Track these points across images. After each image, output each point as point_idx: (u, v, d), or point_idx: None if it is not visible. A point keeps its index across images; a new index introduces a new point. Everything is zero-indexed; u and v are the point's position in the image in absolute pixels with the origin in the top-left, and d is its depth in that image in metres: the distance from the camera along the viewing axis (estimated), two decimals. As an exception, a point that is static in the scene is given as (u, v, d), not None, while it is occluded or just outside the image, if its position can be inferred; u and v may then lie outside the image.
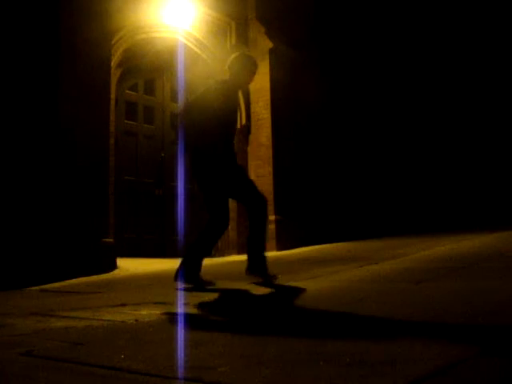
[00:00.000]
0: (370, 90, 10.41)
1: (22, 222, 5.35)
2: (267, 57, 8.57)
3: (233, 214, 8.54)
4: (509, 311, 2.47)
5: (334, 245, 7.59)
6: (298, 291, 3.61)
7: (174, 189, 8.01)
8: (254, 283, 4.06)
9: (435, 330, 2.09)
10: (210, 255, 4.45)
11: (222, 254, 8.25)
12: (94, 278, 5.38)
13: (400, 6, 11.07)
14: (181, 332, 2.30)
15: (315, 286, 3.90)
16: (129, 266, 6.07)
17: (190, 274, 4.00)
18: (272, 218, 8.29)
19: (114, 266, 5.91)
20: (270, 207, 8.39)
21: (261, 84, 8.63)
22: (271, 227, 8.26)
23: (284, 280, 4.43)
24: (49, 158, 5.62)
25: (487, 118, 11.42)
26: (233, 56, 4.67)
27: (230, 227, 8.52)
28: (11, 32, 5.63)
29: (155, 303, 3.36)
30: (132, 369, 1.60)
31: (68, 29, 5.94)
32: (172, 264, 6.36)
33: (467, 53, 11.43)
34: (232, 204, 8.60)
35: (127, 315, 2.83)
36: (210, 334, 2.18)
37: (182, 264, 4.05)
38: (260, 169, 8.52)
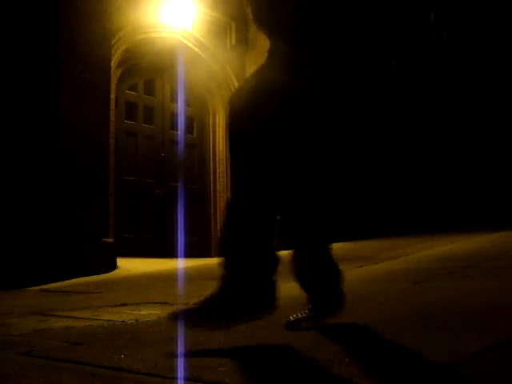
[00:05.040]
0: (369, 88, 10.40)
1: (22, 222, 5.35)
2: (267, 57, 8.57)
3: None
4: (510, 311, 2.47)
5: (333, 245, 7.57)
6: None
7: (174, 189, 8.02)
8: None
9: (435, 330, 2.09)
10: None
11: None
12: (94, 277, 5.38)
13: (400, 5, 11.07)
14: (181, 332, 2.30)
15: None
16: (129, 266, 6.07)
17: None
18: (272, 217, 8.29)
19: (114, 266, 5.91)
20: (270, 207, 8.39)
21: (261, 84, 8.62)
22: (271, 227, 8.26)
23: (283, 280, 4.43)
24: (48, 158, 5.62)
25: (487, 117, 11.42)
26: None
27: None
28: (9, 31, 5.62)
29: (155, 303, 3.36)
30: (132, 369, 1.60)
31: (67, 29, 5.94)
32: (172, 264, 6.38)
33: (467, 50, 11.43)
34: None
35: (127, 315, 2.83)
36: (211, 334, 2.18)
37: None
38: (260, 169, 8.51)
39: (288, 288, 2.24)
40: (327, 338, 2.01)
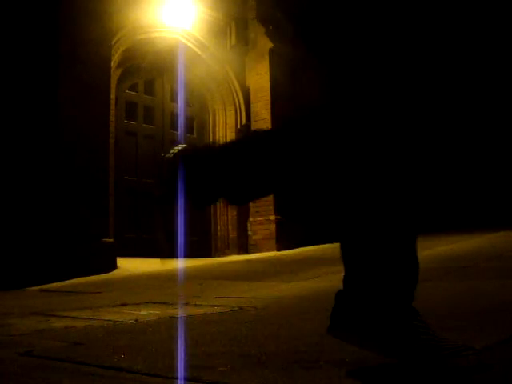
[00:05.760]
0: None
1: (22, 222, 5.35)
2: (267, 57, 8.58)
3: (233, 214, 8.56)
4: (510, 311, 2.47)
5: (335, 245, 7.57)
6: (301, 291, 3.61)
7: (173, 189, 8.00)
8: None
9: (434, 330, 2.09)
10: None
11: (222, 254, 8.26)
12: (94, 277, 5.38)
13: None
14: (181, 332, 2.30)
15: (316, 285, 3.90)
16: (129, 266, 6.07)
17: None
18: (272, 217, 8.29)
19: (114, 266, 5.91)
20: (270, 207, 8.40)
21: (261, 84, 8.63)
22: (271, 227, 8.26)
23: (284, 280, 4.44)
24: (48, 159, 5.62)
25: (487, 117, 11.41)
26: None
27: (230, 227, 8.58)
28: (10, 32, 5.62)
29: (155, 303, 3.36)
30: (132, 369, 1.60)
31: (68, 29, 5.95)
32: (171, 264, 6.38)
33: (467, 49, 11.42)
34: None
35: (127, 315, 2.83)
36: (211, 334, 2.18)
37: None
38: (260, 169, 8.51)
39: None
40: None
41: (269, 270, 5.45)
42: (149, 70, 8.13)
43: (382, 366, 1.52)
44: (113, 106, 6.85)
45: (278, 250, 8.01)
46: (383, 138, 1.68)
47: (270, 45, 8.58)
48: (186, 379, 1.47)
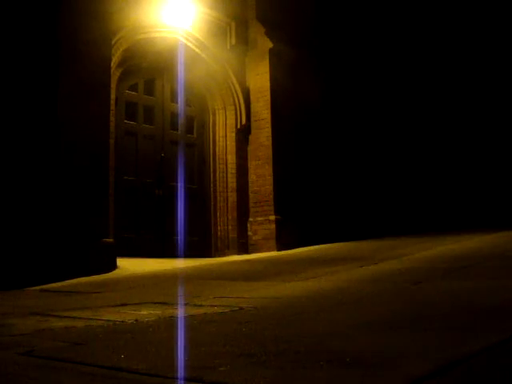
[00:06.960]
0: (369, 88, 10.40)
1: (23, 223, 5.35)
2: (267, 57, 8.57)
3: (233, 214, 8.55)
4: (510, 311, 2.47)
5: (334, 245, 7.59)
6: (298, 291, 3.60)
7: (173, 189, 8.01)
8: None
9: (435, 331, 2.09)
10: None
11: (222, 254, 8.26)
12: (94, 277, 5.38)
13: (400, 5, 11.07)
14: (181, 332, 2.30)
15: (315, 285, 3.90)
16: (129, 266, 6.07)
17: None
18: (272, 217, 8.29)
19: (114, 266, 5.91)
20: (271, 207, 8.40)
21: (261, 84, 8.63)
22: (271, 227, 8.26)
23: (284, 280, 4.43)
24: (48, 159, 5.62)
25: (488, 117, 11.41)
26: None
27: (230, 227, 8.58)
28: (10, 32, 5.63)
29: (155, 303, 3.36)
30: (132, 369, 1.60)
31: (68, 29, 5.95)
32: (172, 264, 6.39)
33: (467, 52, 11.42)
34: (231, 201, 8.65)
35: (127, 315, 2.83)
36: (211, 334, 2.18)
37: None
38: (260, 169, 8.51)
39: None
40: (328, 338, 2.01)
41: (269, 270, 5.45)
42: (149, 70, 8.12)
43: (382, 366, 1.52)
44: (113, 106, 6.84)
45: (278, 250, 8.00)
46: None
47: (270, 45, 8.57)
48: (187, 379, 1.48)
